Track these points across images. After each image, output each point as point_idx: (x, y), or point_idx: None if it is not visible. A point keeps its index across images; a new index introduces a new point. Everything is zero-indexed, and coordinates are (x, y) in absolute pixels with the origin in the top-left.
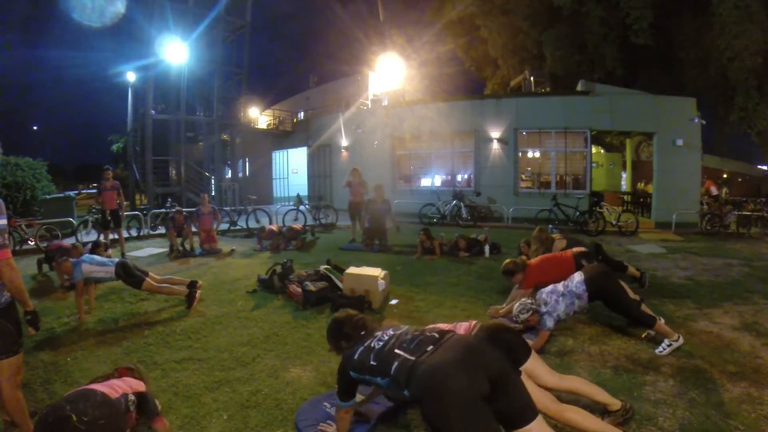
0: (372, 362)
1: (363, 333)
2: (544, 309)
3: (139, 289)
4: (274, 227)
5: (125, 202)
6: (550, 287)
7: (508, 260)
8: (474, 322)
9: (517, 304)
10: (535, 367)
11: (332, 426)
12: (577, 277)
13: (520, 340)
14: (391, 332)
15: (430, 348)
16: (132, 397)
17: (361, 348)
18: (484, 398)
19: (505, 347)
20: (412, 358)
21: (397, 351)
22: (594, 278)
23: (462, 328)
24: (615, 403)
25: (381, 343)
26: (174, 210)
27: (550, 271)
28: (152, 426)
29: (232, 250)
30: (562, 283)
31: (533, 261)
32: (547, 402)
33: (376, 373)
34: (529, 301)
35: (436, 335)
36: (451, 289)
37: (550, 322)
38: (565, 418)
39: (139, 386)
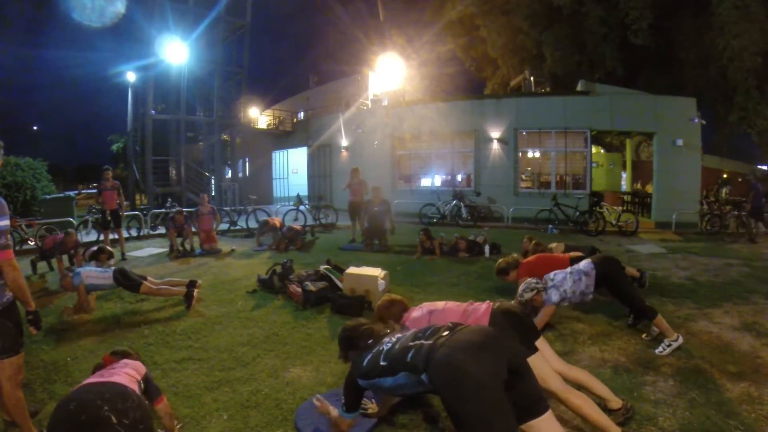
0: (382, 363)
1: (370, 342)
2: (550, 284)
3: (138, 292)
4: (276, 221)
5: (125, 202)
6: (557, 270)
7: (500, 260)
8: (489, 303)
9: (523, 284)
10: (543, 352)
11: (333, 409)
12: (585, 261)
13: (533, 323)
14: (399, 335)
15: (446, 333)
16: (142, 385)
17: (370, 355)
18: (503, 384)
19: (520, 328)
20: (430, 341)
21: (411, 343)
22: (601, 262)
23: (474, 307)
24: (616, 402)
25: (390, 345)
26: (174, 210)
27: (544, 267)
28: (155, 406)
29: (232, 250)
30: (569, 267)
31: (529, 258)
32: (557, 383)
33: (387, 373)
34: (534, 280)
35: (451, 324)
36: (451, 289)
37: (555, 296)
38: (571, 402)
39: (141, 368)
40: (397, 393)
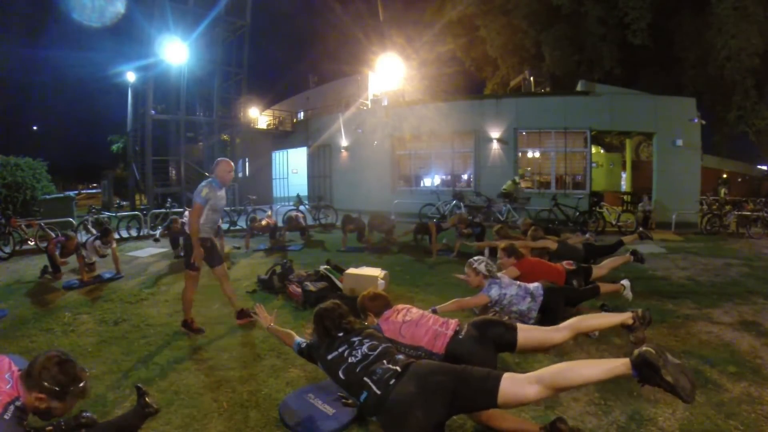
0: (341, 375)
1: (340, 334)
2: (496, 279)
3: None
4: (270, 221)
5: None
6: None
7: (511, 243)
8: (456, 324)
9: (481, 259)
10: (530, 338)
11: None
12: (537, 284)
13: (503, 325)
14: (365, 349)
15: (392, 382)
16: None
17: (335, 354)
18: (445, 413)
19: (493, 340)
20: (379, 392)
21: (365, 380)
22: (550, 292)
23: (441, 330)
24: (627, 317)
25: (354, 360)
26: (170, 219)
27: (539, 275)
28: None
29: (235, 248)
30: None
31: (531, 258)
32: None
33: (344, 387)
34: (487, 262)
35: (399, 368)
36: (451, 290)
37: (495, 292)
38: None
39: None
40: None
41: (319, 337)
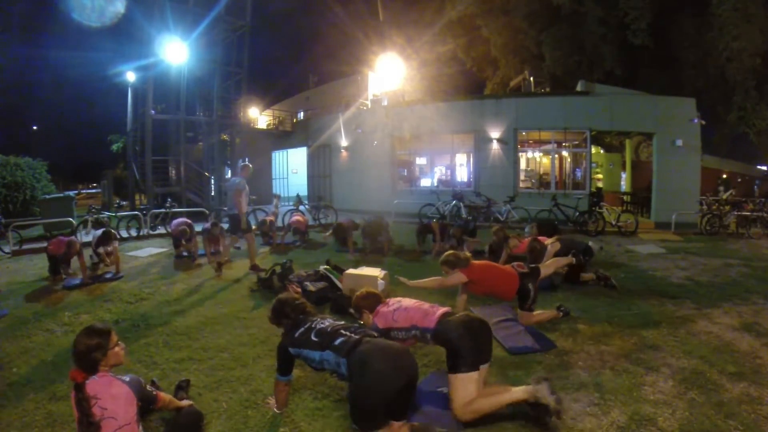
0: (314, 338)
1: (301, 316)
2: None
3: None
4: (271, 218)
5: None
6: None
7: (450, 252)
8: (447, 310)
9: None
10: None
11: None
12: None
13: (481, 337)
14: (329, 321)
15: (370, 335)
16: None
17: (302, 329)
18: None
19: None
20: (357, 336)
21: (342, 331)
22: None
23: (433, 310)
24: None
25: (323, 326)
26: (182, 222)
27: (489, 278)
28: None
29: (235, 248)
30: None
31: (478, 262)
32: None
33: (317, 348)
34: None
35: (375, 332)
36: (450, 290)
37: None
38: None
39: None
40: (322, 367)
41: (278, 322)
